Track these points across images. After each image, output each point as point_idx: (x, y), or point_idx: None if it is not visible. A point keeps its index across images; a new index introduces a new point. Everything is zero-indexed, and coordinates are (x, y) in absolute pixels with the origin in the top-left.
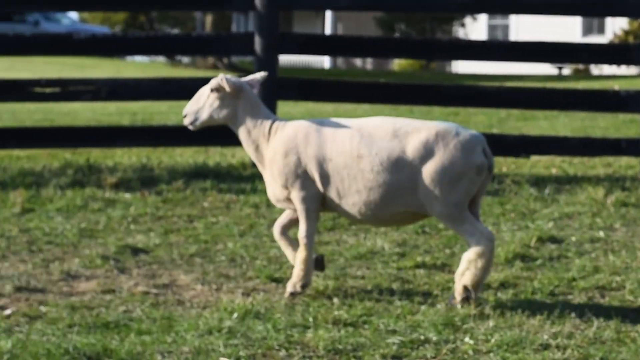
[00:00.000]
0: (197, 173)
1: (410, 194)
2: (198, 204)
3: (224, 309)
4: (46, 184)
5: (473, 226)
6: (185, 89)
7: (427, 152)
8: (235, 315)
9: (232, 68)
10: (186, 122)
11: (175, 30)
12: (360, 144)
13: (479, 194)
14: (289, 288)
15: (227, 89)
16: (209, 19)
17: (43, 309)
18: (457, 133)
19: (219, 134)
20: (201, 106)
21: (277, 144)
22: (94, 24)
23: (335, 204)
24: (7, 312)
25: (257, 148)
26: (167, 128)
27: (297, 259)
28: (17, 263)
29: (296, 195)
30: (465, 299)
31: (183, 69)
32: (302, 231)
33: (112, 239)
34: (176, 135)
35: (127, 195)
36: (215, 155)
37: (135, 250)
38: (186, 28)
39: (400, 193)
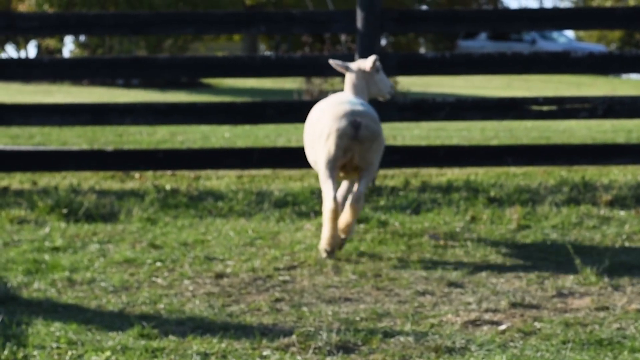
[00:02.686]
0: None
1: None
2: None
3: None
4: (542, 201)
5: (326, 190)
6: None
7: (322, 114)
8: None
9: None
10: None
11: None
12: (321, 104)
13: (359, 162)
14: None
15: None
16: None
17: (537, 325)
18: (342, 105)
19: None
20: None
21: None
22: (589, 42)
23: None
24: (502, 327)
25: None
26: None
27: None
28: (512, 279)
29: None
30: (328, 254)
31: None
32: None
33: (607, 256)
34: None
35: (622, 213)
36: None
37: (630, 268)
38: None
39: (317, 144)
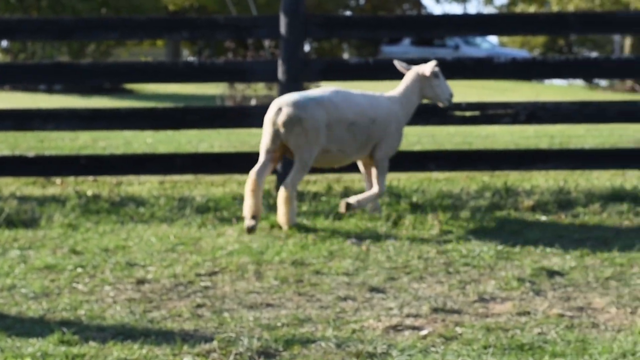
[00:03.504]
0: (614, 196)
1: None
2: (614, 227)
3: (639, 333)
4: (464, 207)
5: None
6: (604, 113)
7: None
8: None
9: None
10: None
11: (594, 54)
12: None
13: (288, 146)
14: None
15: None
16: (627, 41)
17: (459, 330)
18: (281, 96)
19: (638, 157)
20: None
21: None
22: (513, 47)
23: None
24: (424, 332)
25: None
26: (584, 151)
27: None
28: (434, 284)
29: None
30: (250, 226)
31: (601, 92)
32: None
33: (528, 261)
34: (593, 159)
35: (544, 218)
36: (632, 179)
37: (551, 273)
38: (604, 51)
39: None
